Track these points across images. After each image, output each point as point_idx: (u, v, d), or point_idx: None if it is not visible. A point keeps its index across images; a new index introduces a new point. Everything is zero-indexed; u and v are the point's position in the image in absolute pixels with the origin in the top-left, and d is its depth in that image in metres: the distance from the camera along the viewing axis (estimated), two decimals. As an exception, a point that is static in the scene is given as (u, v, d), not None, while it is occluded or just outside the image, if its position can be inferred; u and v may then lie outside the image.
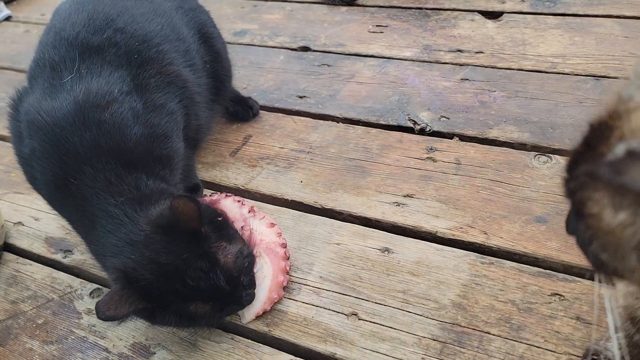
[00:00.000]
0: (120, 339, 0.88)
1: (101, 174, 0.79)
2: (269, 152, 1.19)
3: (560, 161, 1.04)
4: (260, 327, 0.86)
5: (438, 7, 1.63)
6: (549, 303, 0.81)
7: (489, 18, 1.53)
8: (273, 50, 1.57)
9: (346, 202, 1.05)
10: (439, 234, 0.96)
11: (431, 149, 1.13)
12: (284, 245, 0.92)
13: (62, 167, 0.79)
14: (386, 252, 0.94)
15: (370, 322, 0.84)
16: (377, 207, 1.03)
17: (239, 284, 0.78)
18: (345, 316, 0.85)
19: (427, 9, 1.63)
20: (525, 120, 1.15)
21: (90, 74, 0.85)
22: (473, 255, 0.91)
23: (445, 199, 1.02)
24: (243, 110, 1.28)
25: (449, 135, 1.16)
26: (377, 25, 1.60)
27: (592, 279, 0.80)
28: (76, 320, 0.92)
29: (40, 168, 0.82)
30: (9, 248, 1.08)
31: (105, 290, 0.96)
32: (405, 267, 0.91)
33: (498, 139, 1.12)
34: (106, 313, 0.69)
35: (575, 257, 0.86)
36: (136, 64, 0.89)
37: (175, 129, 0.91)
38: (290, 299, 0.89)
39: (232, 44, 1.64)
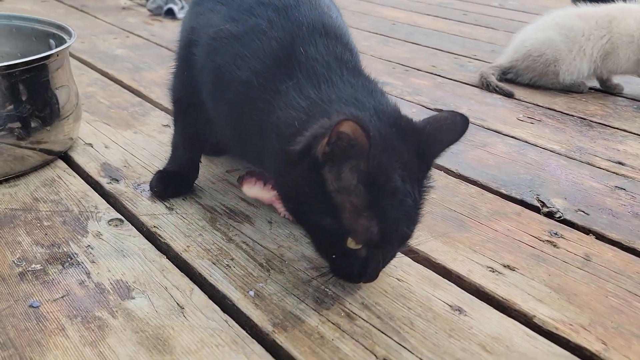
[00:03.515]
0: (109, 270, 0.72)
1: (339, 49, 0.72)
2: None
3: None
4: (264, 324, 0.65)
5: (606, 123, 1.42)
6: None
7: (667, 148, 1.28)
8: (408, 103, 1.46)
9: (428, 245, 0.83)
10: (535, 320, 0.70)
11: (556, 233, 0.89)
12: None
13: (292, 40, 0.72)
14: (457, 312, 0.70)
15: (403, 376, 0.59)
16: (465, 263, 0.80)
17: (396, 247, 0.66)
18: (374, 357, 0.61)
19: (592, 121, 1.43)
20: (693, 249, 0.87)
21: None
22: (578, 362, 0.63)
23: (557, 288, 0.76)
24: None
25: (584, 230, 0.91)
26: (528, 117, 1.43)
27: None
28: (79, 237, 0.78)
29: (253, 47, 0.72)
30: (67, 159, 1.01)
31: (126, 223, 0.83)
32: (477, 337, 0.66)
33: (649, 254, 0.85)
34: (355, 132, 0.57)
35: None
36: None
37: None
38: (314, 310, 0.68)
39: (370, 88, 1.57)
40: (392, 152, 0.62)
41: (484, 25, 2.58)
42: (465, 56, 2.00)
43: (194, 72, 0.79)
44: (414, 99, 1.51)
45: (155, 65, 1.57)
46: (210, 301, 0.68)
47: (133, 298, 0.68)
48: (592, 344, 0.66)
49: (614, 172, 1.14)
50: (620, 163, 1.18)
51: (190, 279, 0.72)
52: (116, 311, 0.65)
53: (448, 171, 1.09)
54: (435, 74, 1.75)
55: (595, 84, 1.73)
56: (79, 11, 2.24)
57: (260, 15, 0.74)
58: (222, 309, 0.67)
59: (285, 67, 0.70)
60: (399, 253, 0.80)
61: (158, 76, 1.47)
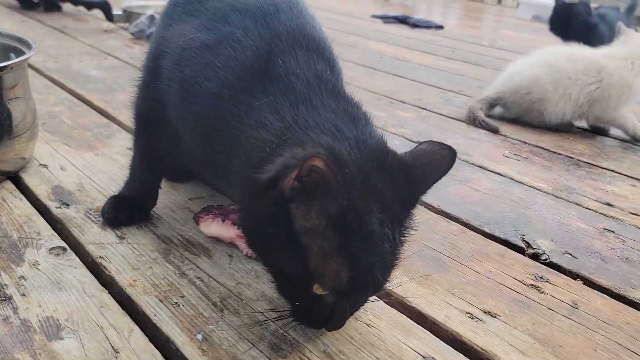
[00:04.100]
0: (39, 306, 0.64)
1: (320, 66, 0.65)
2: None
3: None
4: (209, 373, 0.57)
5: (594, 163, 1.38)
6: None
7: (657, 190, 1.23)
8: (391, 135, 1.41)
9: (403, 287, 0.76)
10: (518, 375, 0.62)
11: (541, 277, 0.82)
12: None
13: (270, 50, 0.65)
14: (430, 364, 0.62)
15: None
16: (442, 308, 0.72)
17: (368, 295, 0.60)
18: (333, 417, 0.54)
19: (580, 160, 1.39)
20: (689, 300, 0.81)
21: None
22: None
23: (542, 338, 0.69)
24: None
25: (572, 275, 0.85)
26: (514, 154, 1.38)
27: None
28: (13, 266, 0.70)
29: (226, 56, 0.66)
30: (17, 180, 0.93)
31: (69, 252, 0.75)
32: (451, 395, 0.58)
33: (641, 304, 0.79)
34: (329, 169, 0.50)
35: None
36: None
37: None
38: (268, 358, 0.60)
39: (352, 119, 1.52)
40: (370, 192, 0.55)
41: (472, 63, 2.57)
42: (451, 91, 1.97)
43: (160, 84, 0.72)
44: (398, 130, 1.46)
45: (129, 87, 1.49)
46: (151, 344, 0.60)
47: (62, 339, 0.59)
48: (580, 406, 0.59)
49: (602, 214, 1.08)
50: (608, 204, 1.13)
51: (132, 317, 0.64)
52: (39, 354, 0.57)
53: (429, 206, 1.02)
54: (421, 107, 1.71)
55: (583, 123, 1.70)
56: (58, 32, 2.19)
57: (235, 24, 0.68)
58: (163, 354, 0.59)
59: (261, 79, 0.63)
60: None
61: (130, 97, 1.41)
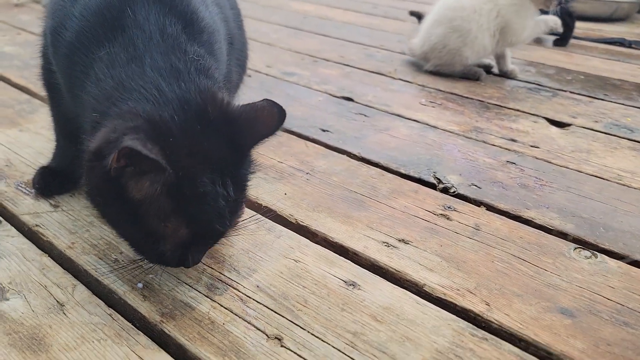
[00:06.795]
0: (-19, 273, 0.67)
1: (169, 20, 0.64)
2: (263, 161, 1.03)
3: (608, 262, 0.80)
4: (152, 314, 0.63)
5: (501, 104, 1.50)
6: (555, 411, 0.54)
7: (555, 125, 1.37)
8: (315, 92, 1.47)
9: (326, 226, 0.84)
10: (425, 288, 0.72)
11: (449, 207, 0.93)
12: None
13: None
14: (351, 287, 0.71)
15: (294, 353, 0.59)
16: (361, 240, 0.81)
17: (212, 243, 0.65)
18: (266, 337, 0.61)
19: (489, 103, 1.51)
20: (573, 214, 0.93)
21: None
22: (463, 324, 0.66)
23: (448, 257, 0.79)
24: None
25: (476, 203, 0.96)
26: (430, 101, 1.48)
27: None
28: (-51, 241, 0.73)
29: (83, 4, 0.66)
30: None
31: (5, 224, 0.77)
32: (369, 309, 0.67)
33: (534, 221, 0.90)
34: (146, 149, 0.50)
35: (607, 365, 0.60)
36: None
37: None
38: (206, 296, 0.67)
39: (278, 78, 1.57)
40: (198, 154, 0.57)
41: (393, 18, 2.65)
42: (373, 46, 2.04)
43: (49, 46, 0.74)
44: (321, 87, 1.52)
45: (49, 62, 1.48)
46: (94, 296, 0.65)
47: (7, 299, 0.63)
48: (476, 306, 0.69)
49: (506, 149, 1.20)
50: (512, 140, 1.25)
51: (74, 275, 0.69)
52: (-14, 315, 0.61)
53: (350, 155, 1.10)
54: (344, 64, 1.78)
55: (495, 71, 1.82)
56: (-35, 8, 2.08)
57: None
58: (106, 303, 0.64)
59: (110, 29, 0.62)
60: (297, 235, 0.81)
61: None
